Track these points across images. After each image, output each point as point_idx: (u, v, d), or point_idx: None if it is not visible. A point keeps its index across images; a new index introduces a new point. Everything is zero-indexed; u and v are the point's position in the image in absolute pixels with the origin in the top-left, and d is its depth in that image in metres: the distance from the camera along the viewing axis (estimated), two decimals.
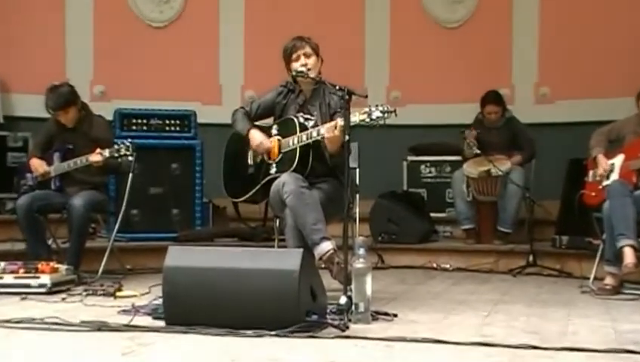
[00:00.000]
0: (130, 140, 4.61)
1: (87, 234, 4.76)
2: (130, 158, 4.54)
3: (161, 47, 7.06)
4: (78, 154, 4.68)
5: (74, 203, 4.55)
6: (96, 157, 4.58)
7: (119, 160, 4.57)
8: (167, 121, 5.84)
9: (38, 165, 4.78)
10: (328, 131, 3.70)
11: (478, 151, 5.71)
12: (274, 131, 4.04)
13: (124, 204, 4.78)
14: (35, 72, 6.63)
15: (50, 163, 4.81)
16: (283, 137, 3.96)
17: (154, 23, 7.13)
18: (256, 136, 4.01)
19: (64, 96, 4.68)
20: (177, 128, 5.86)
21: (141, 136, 5.69)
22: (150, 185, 5.72)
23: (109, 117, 5.64)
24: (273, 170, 3.95)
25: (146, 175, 5.59)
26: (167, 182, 5.71)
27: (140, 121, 5.79)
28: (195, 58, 7.06)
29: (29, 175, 4.83)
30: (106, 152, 4.55)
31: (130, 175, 4.75)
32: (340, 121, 3.63)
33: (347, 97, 3.49)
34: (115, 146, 4.54)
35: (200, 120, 5.97)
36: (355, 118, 3.59)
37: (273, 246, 4.26)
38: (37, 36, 6.77)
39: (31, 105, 6.30)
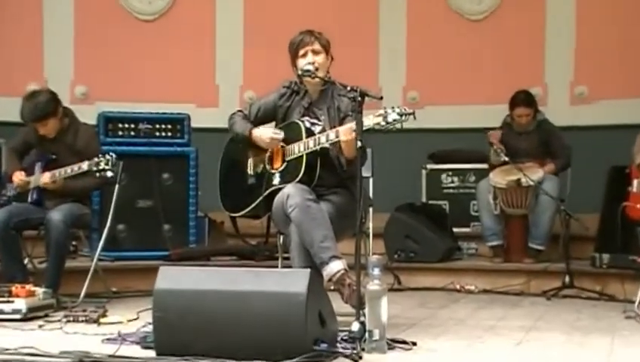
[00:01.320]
0: (112, 152, 4.60)
1: (67, 252, 4.77)
2: (108, 174, 4.52)
3: (151, 42, 7.11)
4: (61, 165, 4.68)
5: (52, 217, 4.55)
6: (45, 178, 4.63)
7: (97, 175, 4.56)
8: (158, 126, 5.84)
9: (18, 176, 4.80)
10: (346, 134, 3.70)
11: (507, 158, 5.70)
12: (278, 137, 4.02)
13: (110, 218, 4.78)
14: (8, 71, 6.69)
15: (29, 173, 4.81)
16: (287, 143, 3.97)
17: (142, 16, 7.17)
18: (263, 132, 3.99)
19: (41, 107, 4.66)
20: (169, 133, 5.87)
21: (128, 143, 5.71)
22: (138, 198, 5.72)
23: (92, 121, 5.67)
24: (276, 181, 3.94)
25: (134, 186, 5.60)
26: (158, 194, 5.72)
27: (126, 125, 5.79)
28: (189, 55, 7.11)
29: (9, 185, 4.85)
30: (85, 165, 4.55)
31: (116, 186, 4.76)
32: (350, 125, 3.64)
33: (359, 99, 3.50)
34: (95, 159, 4.52)
35: (194, 124, 5.99)
36: (369, 121, 3.59)
37: (276, 266, 4.26)
38: (10, 30, 6.82)
39: (4, 108, 6.34)
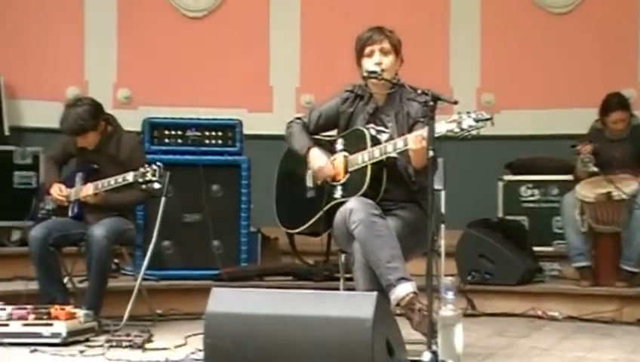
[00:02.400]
0: (158, 161, 4.67)
1: (109, 271, 4.82)
2: (155, 186, 4.57)
3: (199, 41, 7.18)
4: (104, 176, 4.75)
5: (94, 233, 4.59)
6: (86, 190, 4.69)
7: (142, 187, 4.62)
8: (207, 133, 5.89)
9: (58, 188, 4.87)
10: (415, 142, 3.71)
11: (596, 169, 5.62)
12: (339, 146, 4.07)
13: (155, 234, 4.83)
14: (47, 74, 6.82)
15: (70, 185, 4.89)
16: (350, 153, 3.98)
17: (190, 12, 7.25)
18: (316, 158, 4.04)
19: (80, 121, 4.73)
20: (219, 141, 5.92)
21: (175, 152, 5.78)
22: (186, 212, 5.77)
23: (137, 127, 5.78)
24: (338, 194, 3.97)
25: (181, 199, 5.64)
26: (207, 208, 5.74)
27: (173, 132, 5.86)
28: (240, 54, 7.16)
29: (47, 198, 4.92)
30: (130, 176, 4.60)
31: (162, 199, 4.80)
32: (421, 131, 3.65)
33: (431, 103, 3.50)
34: (141, 170, 4.57)
35: (246, 130, 6.05)
36: (441, 128, 3.60)
37: (337, 288, 4.27)
38: (50, 30, 6.95)
39: (42, 113, 6.49)
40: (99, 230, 4.61)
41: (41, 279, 4.70)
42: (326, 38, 6.98)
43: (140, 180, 4.57)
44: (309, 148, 4.06)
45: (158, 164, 4.60)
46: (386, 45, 3.98)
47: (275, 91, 7.24)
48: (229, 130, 5.95)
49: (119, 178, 4.65)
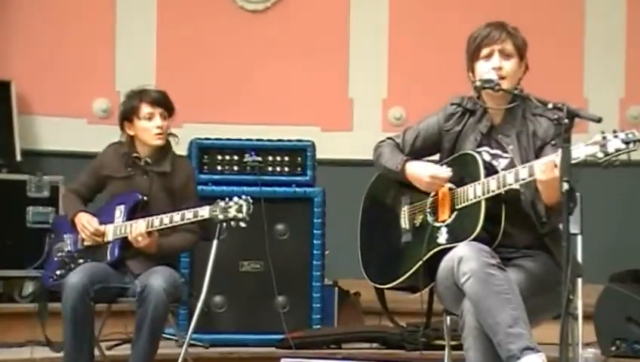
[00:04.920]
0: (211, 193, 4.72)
1: (162, 333, 4.77)
2: (242, 225, 4.56)
3: (258, 40, 7.22)
4: (152, 210, 4.76)
5: (153, 283, 4.57)
6: (139, 229, 4.68)
7: (224, 225, 4.60)
8: (270, 158, 5.92)
9: (87, 221, 4.85)
10: (545, 171, 3.66)
11: None
12: None
13: (204, 287, 4.81)
14: (69, 84, 6.92)
15: (106, 219, 4.86)
16: (457, 185, 3.95)
17: (248, 4, 7.30)
18: (421, 167, 4.02)
19: (168, 98, 4.93)
20: (285, 168, 5.95)
21: (229, 182, 5.81)
22: (243, 258, 5.82)
23: (181, 150, 5.77)
24: (443, 239, 3.94)
25: (237, 242, 5.62)
26: (270, 254, 5.74)
27: (227, 157, 5.91)
28: (312, 57, 7.18)
29: (69, 237, 4.92)
30: (205, 211, 4.59)
31: (214, 242, 4.78)
32: (553, 157, 3.60)
33: (566, 121, 3.46)
34: (221, 203, 4.57)
35: (319, 155, 6.06)
36: (580, 152, 3.54)
37: (440, 360, 4.25)
38: (73, 31, 7.06)
39: (63, 133, 6.60)
40: (158, 281, 4.59)
41: (70, 343, 4.63)
42: (422, 38, 7.00)
43: (221, 217, 4.57)
44: (405, 162, 4.06)
45: (246, 196, 4.61)
46: (509, 46, 3.95)
47: (356, 104, 7.24)
48: (298, 154, 5.98)
49: (188, 213, 4.65)
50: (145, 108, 4.86)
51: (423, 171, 4.01)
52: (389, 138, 4.24)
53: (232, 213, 4.56)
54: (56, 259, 4.92)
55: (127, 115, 4.90)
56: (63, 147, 6.48)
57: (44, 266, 4.99)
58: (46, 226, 5.86)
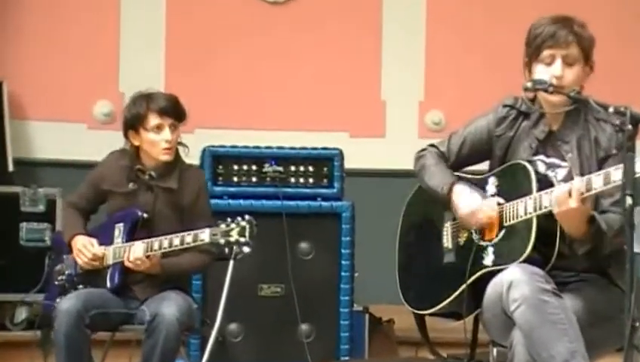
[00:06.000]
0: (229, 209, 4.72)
1: None
2: (246, 250, 4.52)
3: (279, 36, 7.25)
4: (158, 228, 4.77)
5: (164, 312, 4.56)
6: (136, 252, 4.66)
7: (225, 250, 4.57)
8: (292, 168, 5.91)
9: (83, 246, 4.85)
10: (559, 202, 3.68)
11: None
12: (490, 188, 4.04)
13: (219, 314, 4.81)
14: (68, 86, 6.94)
15: (105, 240, 4.86)
16: (507, 199, 3.94)
17: None
18: (465, 197, 4.01)
19: (179, 103, 4.88)
20: (309, 180, 5.93)
21: (247, 195, 5.81)
22: (262, 281, 5.81)
23: (193, 159, 5.72)
24: (489, 259, 3.93)
25: (256, 262, 5.58)
26: (292, 276, 5.74)
27: (244, 167, 5.90)
28: (339, 54, 7.20)
29: (68, 259, 4.91)
30: (205, 235, 4.58)
31: (230, 263, 4.76)
32: (579, 183, 3.63)
33: (629, 127, 3.44)
34: (222, 226, 4.55)
35: (348, 164, 6.02)
36: None
37: None
38: (72, 27, 7.09)
39: (61, 140, 6.61)
40: (170, 308, 4.59)
41: None
42: (462, 30, 7.00)
43: (221, 241, 4.56)
44: (451, 185, 4.04)
45: (248, 217, 4.58)
46: (574, 51, 3.91)
47: (389, 107, 7.25)
48: (324, 163, 5.96)
49: (187, 237, 4.63)
50: (153, 119, 4.81)
51: (466, 203, 3.99)
52: (431, 145, 4.24)
53: (234, 236, 4.54)
54: (56, 283, 4.95)
55: (133, 124, 4.86)
56: (60, 155, 6.50)
57: (45, 290, 5.00)
58: (41, 245, 5.86)
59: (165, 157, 4.82)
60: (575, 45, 3.91)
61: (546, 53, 3.93)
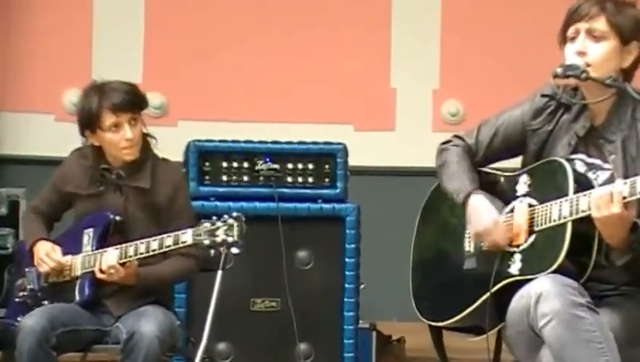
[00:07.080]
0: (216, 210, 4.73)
1: None
2: (234, 251, 4.51)
3: (273, 18, 7.25)
4: (132, 233, 4.77)
5: (143, 330, 4.55)
6: (110, 259, 4.64)
7: (211, 252, 4.57)
8: (290, 165, 5.92)
9: (45, 254, 4.84)
10: (600, 207, 3.68)
11: None
12: (521, 187, 4.03)
13: (206, 331, 4.77)
14: (34, 73, 6.97)
15: (71, 249, 4.86)
16: (540, 202, 3.93)
17: None
18: (479, 211, 4.04)
19: (134, 88, 4.85)
20: (309, 179, 5.93)
21: (238, 196, 5.81)
22: (255, 294, 5.81)
23: (176, 155, 5.70)
24: (515, 268, 3.93)
25: (248, 273, 5.67)
26: (289, 288, 5.74)
27: (234, 164, 5.90)
28: (343, 38, 7.21)
29: (31, 271, 4.92)
30: (188, 236, 4.57)
31: (219, 273, 4.75)
32: (621, 186, 3.63)
33: None
34: (206, 224, 4.55)
35: (353, 161, 6.01)
36: None
37: None
38: (39, 10, 7.12)
39: (26, 133, 6.60)
40: (149, 325, 4.58)
41: None
42: (481, 10, 6.94)
43: (207, 242, 4.54)
44: (468, 195, 4.05)
45: (236, 214, 4.57)
46: (600, 25, 3.89)
47: (399, 96, 7.24)
48: (326, 160, 5.96)
49: (167, 239, 4.63)
50: (108, 118, 4.79)
51: (479, 219, 4.02)
52: (457, 136, 4.25)
53: (221, 235, 4.52)
54: (17, 299, 4.95)
55: (87, 124, 4.84)
56: (24, 151, 6.53)
57: (6, 307, 5.01)
58: (2, 253, 5.87)
59: (129, 157, 4.82)
60: (602, 18, 3.91)
61: (570, 30, 3.95)
